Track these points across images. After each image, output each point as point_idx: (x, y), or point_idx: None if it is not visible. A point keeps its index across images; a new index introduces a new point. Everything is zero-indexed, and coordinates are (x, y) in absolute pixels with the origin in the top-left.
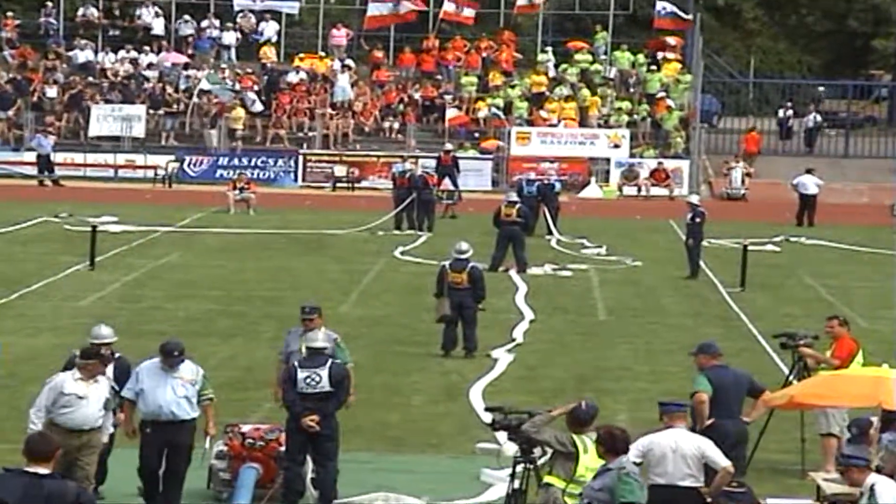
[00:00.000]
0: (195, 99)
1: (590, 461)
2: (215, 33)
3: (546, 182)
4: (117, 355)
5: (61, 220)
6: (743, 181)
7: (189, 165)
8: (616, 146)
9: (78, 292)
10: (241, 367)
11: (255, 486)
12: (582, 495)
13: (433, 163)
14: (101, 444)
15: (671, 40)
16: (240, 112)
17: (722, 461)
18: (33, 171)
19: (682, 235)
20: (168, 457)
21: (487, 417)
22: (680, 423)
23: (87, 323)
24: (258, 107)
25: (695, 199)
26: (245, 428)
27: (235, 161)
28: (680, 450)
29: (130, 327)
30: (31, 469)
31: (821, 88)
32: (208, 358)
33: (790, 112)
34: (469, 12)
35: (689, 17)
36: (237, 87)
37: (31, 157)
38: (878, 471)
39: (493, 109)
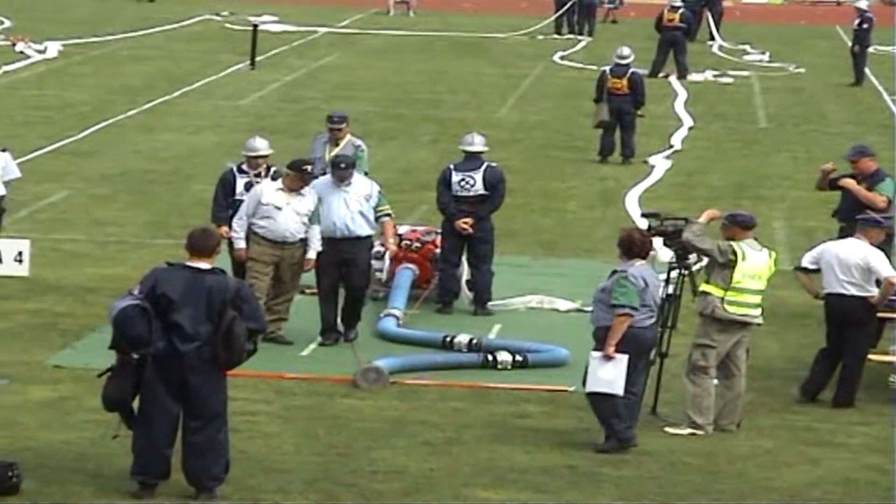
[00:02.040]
0: None
1: (748, 268)
2: None
3: None
4: (273, 169)
5: (222, 19)
6: None
7: None
8: None
9: (238, 91)
10: (399, 168)
11: (411, 286)
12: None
13: None
14: (308, 262)
15: None
16: None
17: (885, 272)
18: None
19: (848, 42)
20: (346, 273)
21: (643, 223)
22: (864, 237)
23: (248, 122)
24: None
25: (863, 4)
26: (402, 229)
27: None
28: (846, 259)
29: (290, 127)
30: (193, 264)
31: None
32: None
33: None
34: None
35: None
36: None
37: None
38: None
39: None
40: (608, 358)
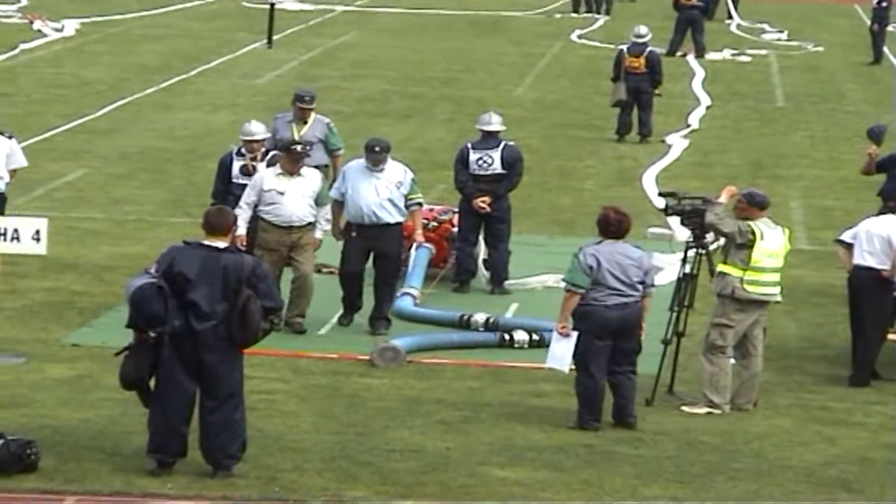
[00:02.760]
0: None
1: (766, 247)
2: None
3: None
4: (272, 153)
5: None
6: None
7: None
8: None
9: (255, 70)
10: (417, 147)
11: (428, 265)
12: None
13: None
14: (314, 241)
15: None
16: None
17: None
18: None
19: (867, 20)
20: (375, 262)
21: (660, 202)
22: None
23: (264, 101)
24: None
25: None
26: None
27: None
28: (872, 230)
29: None
30: (209, 242)
31: None
32: None
33: None
34: None
35: None
36: None
37: None
38: None
39: None
40: (566, 335)
